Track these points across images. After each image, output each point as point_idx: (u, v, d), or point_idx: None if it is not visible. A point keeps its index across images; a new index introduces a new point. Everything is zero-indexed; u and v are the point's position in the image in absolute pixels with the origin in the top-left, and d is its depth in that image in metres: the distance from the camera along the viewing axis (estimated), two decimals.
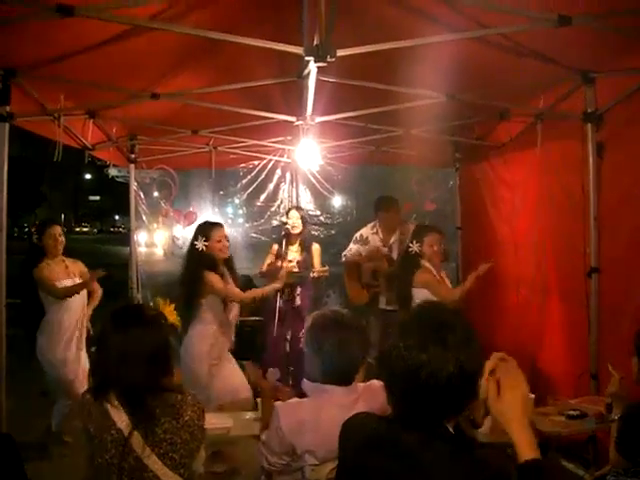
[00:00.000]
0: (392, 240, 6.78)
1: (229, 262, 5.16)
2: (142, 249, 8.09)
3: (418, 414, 1.75)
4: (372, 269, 6.65)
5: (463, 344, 1.72)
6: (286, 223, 6.27)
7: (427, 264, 5.23)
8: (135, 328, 2.47)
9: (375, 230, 6.85)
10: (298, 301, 6.35)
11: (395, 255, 6.70)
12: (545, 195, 5.58)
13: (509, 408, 1.73)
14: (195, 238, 4.96)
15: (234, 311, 5.16)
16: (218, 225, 5.11)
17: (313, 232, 8.24)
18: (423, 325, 1.76)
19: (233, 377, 4.95)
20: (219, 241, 4.95)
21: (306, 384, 2.75)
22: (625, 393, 3.65)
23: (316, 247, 6.54)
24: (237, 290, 5.05)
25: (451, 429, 1.78)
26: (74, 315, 5.36)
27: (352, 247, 6.90)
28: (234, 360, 5.10)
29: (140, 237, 8.06)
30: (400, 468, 1.73)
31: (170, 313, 2.91)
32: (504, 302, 6.49)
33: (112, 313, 2.59)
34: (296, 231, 6.26)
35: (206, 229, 5.02)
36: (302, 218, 6.38)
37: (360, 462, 1.86)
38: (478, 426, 2.38)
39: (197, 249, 4.90)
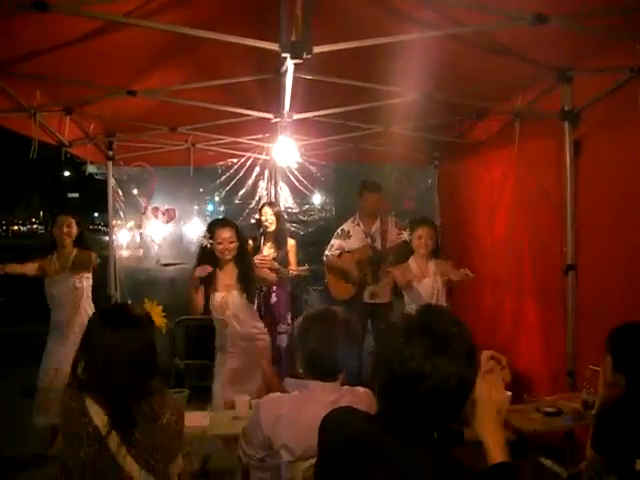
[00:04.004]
0: (373, 229, 6.76)
1: (240, 262, 4.87)
2: (120, 247, 8.01)
3: (407, 420, 1.73)
4: (356, 260, 6.64)
5: (465, 359, 1.69)
6: (260, 220, 6.23)
7: (412, 258, 5.50)
8: (123, 329, 2.44)
9: (356, 222, 6.82)
10: (274, 298, 6.34)
11: (379, 245, 6.71)
12: (522, 193, 5.62)
13: (486, 407, 1.73)
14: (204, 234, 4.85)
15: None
16: (221, 225, 4.83)
17: (292, 229, 8.21)
18: (429, 334, 1.68)
19: None
20: (220, 243, 4.73)
21: (288, 381, 2.78)
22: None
23: (291, 243, 6.50)
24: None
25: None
26: (63, 311, 5.27)
27: (334, 242, 6.84)
28: None
29: (118, 234, 7.99)
30: (378, 470, 1.73)
31: (157, 314, 2.87)
32: (481, 300, 6.52)
33: (99, 312, 2.59)
34: (271, 228, 6.23)
35: (210, 227, 4.86)
36: (276, 214, 6.34)
37: (338, 460, 1.86)
38: (466, 424, 2.38)
39: (201, 245, 4.81)
